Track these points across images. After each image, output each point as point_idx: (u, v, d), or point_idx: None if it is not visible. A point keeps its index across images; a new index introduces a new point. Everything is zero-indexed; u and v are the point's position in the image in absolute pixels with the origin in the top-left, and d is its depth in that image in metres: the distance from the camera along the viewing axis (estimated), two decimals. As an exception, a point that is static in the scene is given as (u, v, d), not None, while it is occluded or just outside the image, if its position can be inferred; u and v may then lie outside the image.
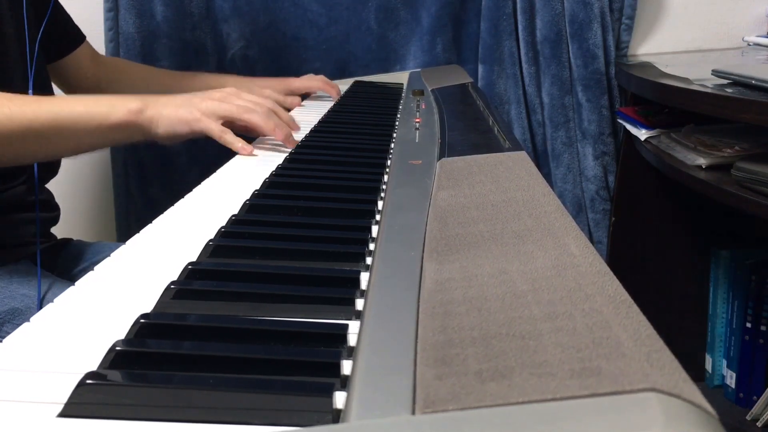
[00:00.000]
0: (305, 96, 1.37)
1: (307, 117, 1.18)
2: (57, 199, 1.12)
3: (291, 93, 1.32)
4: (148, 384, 0.37)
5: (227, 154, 0.92)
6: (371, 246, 0.57)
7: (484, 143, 0.81)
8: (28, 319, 0.45)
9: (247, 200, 0.69)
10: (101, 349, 0.40)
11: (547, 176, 1.65)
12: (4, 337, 0.42)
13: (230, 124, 0.93)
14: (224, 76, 1.33)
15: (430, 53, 1.61)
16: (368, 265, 0.53)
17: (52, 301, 0.48)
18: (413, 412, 0.31)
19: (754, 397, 1.53)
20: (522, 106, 1.62)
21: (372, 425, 0.31)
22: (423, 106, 1.15)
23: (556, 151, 1.62)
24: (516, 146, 0.76)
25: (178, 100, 0.91)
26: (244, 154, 0.91)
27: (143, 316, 0.44)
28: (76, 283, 0.51)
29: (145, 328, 0.43)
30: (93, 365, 0.39)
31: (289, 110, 1.28)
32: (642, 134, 1.42)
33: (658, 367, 0.31)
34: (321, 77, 1.38)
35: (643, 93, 1.43)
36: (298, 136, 1.00)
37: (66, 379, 0.37)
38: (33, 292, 0.88)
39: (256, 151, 0.93)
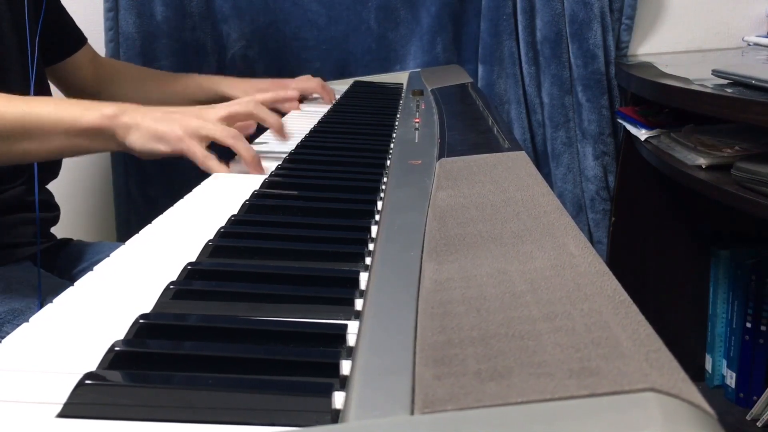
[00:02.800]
0: (302, 99, 1.37)
1: (306, 119, 1.18)
2: (57, 200, 1.12)
3: None
4: (148, 384, 0.37)
5: (227, 154, 0.92)
6: (371, 246, 0.57)
7: (484, 143, 0.81)
8: (27, 320, 0.45)
9: (246, 200, 0.69)
10: (100, 349, 0.40)
11: (547, 176, 1.64)
12: (3, 338, 0.42)
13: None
14: (219, 78, 1.33)
15: (430, 53, 1.61)
16: (367, 266, 0.53)
17: (51, 302, 0.48)
18: (412, 413, 0.31)
19: (754, 397, 1.53)
20: (522, 106, 1.62)
21: (371, 425, 0.31)
22: (423, 106, 1.15)
23: (556, 151, 1.62)
24: (516, 146, 0.76)
25: (158, 113, 0.84)
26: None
27: (143, 316, 0.44)
28: (76, 283, 0.51)
29: (144, 329, 0.43)
30: (92, 365, 0.39)
31: (284, 114, 1.26)
32: (642, 134, 1.42)
33: (657, 367, 0.31)
34: (317, 80, 1.37)
35: (643, 93, 1.43)
36: (299, 136, 1.01)
37: (65, 379, 0.37)
38: (33, 292, 0.88)
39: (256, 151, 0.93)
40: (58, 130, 0.81)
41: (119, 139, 0.82)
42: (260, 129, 0.98)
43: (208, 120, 0.85)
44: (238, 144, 0.85)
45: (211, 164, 0.84)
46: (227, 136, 0.84)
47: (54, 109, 0.82)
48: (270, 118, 0.91)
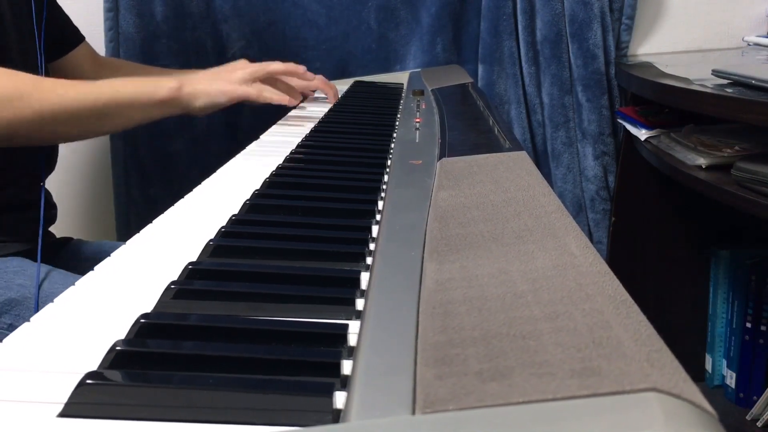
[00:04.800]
0: (305, 97, 1.37)
1: (307, 118, 1.18)
2: (56, 198, 1.12)
3: None
4: (149, 384, 0.37)
5: (228, 154, 0.92)
6: (371, 246, 0.57)
7: (485, 143, 0.81)
8: (25, 310, 0.45)
9: (247, 200, 0.69)
10: (101, 348, 0.40)
11: (547, 176, 1.64)
12: (2, 328, 0.43)
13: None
14: None
15: (430, 53, 1.61)
16: (368, 265, 0.53)
17: (49, 291, 0.48)
18: (413, 412, 0.31)
19: (754, 397, 1.53)
20: (522, 106, 1.62)
21: (372, 425, 0.31)
22: (423, 106, 1.15)
23: (556, 151, 1.62)
24: (516, 146, 0.76)
25: (208, 75, 1.04)
26: (291, 105, 1.08)
27: (143, 315, 0.44)
28: (76, 282, 0.51)
29: (145, 328, 0.43)
30: (93, 365, 0.39)
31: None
32: (642, 134, 1.42)
33: (659, 367, 0.31)
34: (319, 77, 1.37)
35: (643, 93, 1.43)
36: (299, 136, 1.01)
37: (66, 379, 0.37)
38: (30, 282, 0.88)
39: (256, 151, 0.93)
40: (138, 106, 0.96)
41: (184, 105, 0.99)
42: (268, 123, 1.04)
43: (249, 66, 1.06)
44: (277, 66, 1.10)
45: (267, 95, 1.05)
46: (265, 65, 1.09)
47: (133, 88, 0.96)
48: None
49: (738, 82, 1.17)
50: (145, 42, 1.56)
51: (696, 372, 1.66)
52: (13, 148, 0.94)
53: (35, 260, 0.92)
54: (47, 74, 1.09)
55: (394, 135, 0.98)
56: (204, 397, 0.36)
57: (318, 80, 1.36)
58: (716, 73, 1.23)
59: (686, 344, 1.66)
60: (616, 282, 0.40)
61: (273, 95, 1.05)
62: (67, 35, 1.22)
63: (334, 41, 1.63)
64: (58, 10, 1.19)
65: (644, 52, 1.69)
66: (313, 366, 0.39)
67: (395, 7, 1.61)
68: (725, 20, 1.68)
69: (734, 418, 1.52)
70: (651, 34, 1.68)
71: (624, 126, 1.54)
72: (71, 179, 1.65)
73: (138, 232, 0.62)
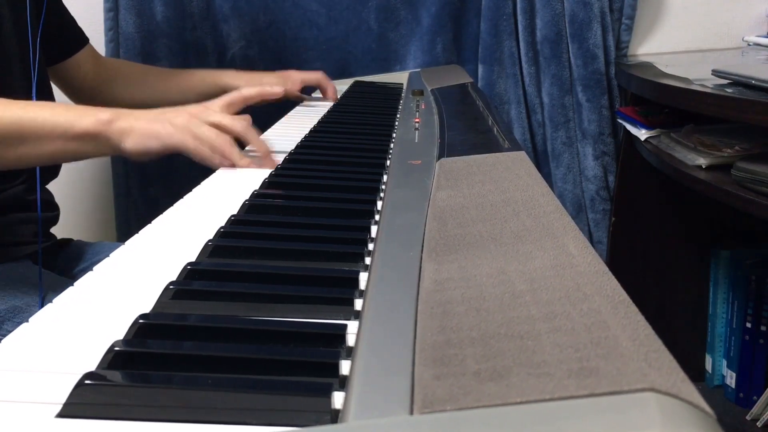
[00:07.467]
0: (306, 91, 1.38)
1: (306, 118, 1.18)
2: (57, 199, 1.12)
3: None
4: (147, 384, 0.37)
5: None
6: (370, 246, 0.57)
7: (484, 143, 0.81)
8: (28, 317, 0.45)
9: (246, 200, 0.69)
10: (100, 349, 0.40)
11: (547, 176, 1.64)
12: (4, 335, 0.43)
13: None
14: (221, 71, 1.33)
15: (430, 53, 1.61)
16: (367, 265, 0.53)
17: (51, 300, 0.48)
18: (411, 413, 0.31)
19: (754, 397, 1.53)
20: (522, 106, 1.62)
21: (370, 425, 0.31)
22: (423, 106, 1.15)
23: (556, 151, 1.62)
24: (515, 146, 0.76)
25: (151, 114, 0.85)
26: (223, 166, 0.85)
27: (142, 316, 0.44)
28: (76, 283, 0.51)
29: (144, 329, 0.43)
30: (92, 365, 0.39)
31: (288, 98, 1.27)
32: (642, 134, 1.42)
33: (657, 367, 0.31)
34: (320, 72, 1.38)
35: (643, 93, 1.43)
36: (298, 137, 1.01)
37: (65, 379, 0.37)
38: (33, 290, 0.88)
39: (255, 153, 0.93)
40: (53, 135, 0.81)
41: (114, 143, 0.83)
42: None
43: (202, 116, 0.85)
44: (238, 127, 0.86)
45: (206, 153, 0.83)
46: (215, 134, 0.84)
47: (50, 113, 0.82)
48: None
49: (738, 82, 1.17)
50: (145, 42, 1.56)
51: (696, 372, 1.66)
52: None
53: (41, 262, 0.92)
54: (46, 78, 1.09)
55: (394, 135, 0.98)
56: (203, 397, 0.36)
57: (319, 74, 1.37)
58: (716, 73, 1.23)
59: (686, 344, 1.66)
60: (615, 282, 0.40)
61: (210, 156, 0.84)
62: (71, 38, 1.21)
63: (334, 41, 1.63)
64: (63, 12, 1.18)
65: (644, 52, 1.69)
66: (311, 366, 0.39)
67: (395, 7, 1.61)
68: (725, 20, 1.68)
69: (734, 418, 1.52)
70: (651, 34, 1.68)
71: (624, 126, 1.54)
72: (72, 180, 1.65)
73: (138, 232, 0.62)
